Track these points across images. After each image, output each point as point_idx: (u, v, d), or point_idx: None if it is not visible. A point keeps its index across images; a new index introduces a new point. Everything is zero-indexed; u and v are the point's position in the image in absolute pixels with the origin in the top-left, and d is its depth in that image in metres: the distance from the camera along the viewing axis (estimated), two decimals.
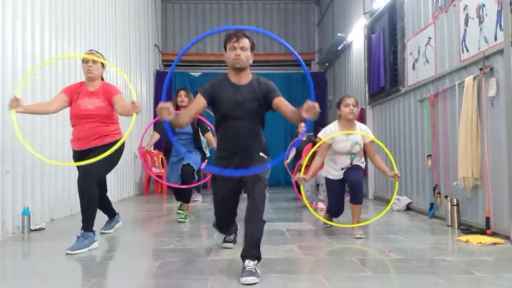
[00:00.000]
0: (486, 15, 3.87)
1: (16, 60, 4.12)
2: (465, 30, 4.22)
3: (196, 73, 11.02)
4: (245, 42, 2.81)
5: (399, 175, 3.87)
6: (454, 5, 4.45)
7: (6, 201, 3.89)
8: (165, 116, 2.47)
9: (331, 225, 4.28)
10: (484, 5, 3.90)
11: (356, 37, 8.20)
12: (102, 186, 3.76)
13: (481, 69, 3.87)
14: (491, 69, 3.75)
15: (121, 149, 3.69)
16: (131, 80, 8.29)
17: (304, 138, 6.46)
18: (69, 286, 2.47)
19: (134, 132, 7.86)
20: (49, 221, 4.70)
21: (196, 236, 3.99)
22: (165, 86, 2.50)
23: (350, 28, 8.39)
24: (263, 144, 2.92)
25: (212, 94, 2.85)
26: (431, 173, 5.05)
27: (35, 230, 4.14)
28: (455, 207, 4.25)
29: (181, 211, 5.14)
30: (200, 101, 2.85)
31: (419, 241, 3.60)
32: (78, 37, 5.65)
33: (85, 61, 3.59)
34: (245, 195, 2.81)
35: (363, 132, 3.96)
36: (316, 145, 4.06)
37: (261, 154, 2.85)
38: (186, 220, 4.78)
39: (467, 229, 4.03)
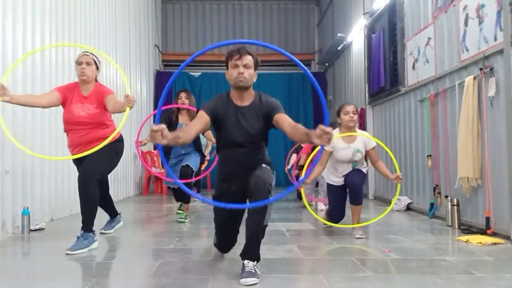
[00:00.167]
0: (486, 15, 3.87)
1: (16, 60, 4.11)
2: (465, 30, 4.22)
3: (196, 73, 11.02)
4: (248, 59, 2.66)
5: (401, 177, 3.84)
6: (454, 5, 4.45)
7: (6, 201, 3.89)
8: (158, 140, 2.19)
9: (331, 225, 4.28)
10: (483, 5, 3.90)
11: (356, 37, 8.20)
12: (104, 185, 3.75)
13: (481, 69, 3.87)
14: (491, 69, 3.75)
15: (121, 150, 3.68)
16: (131, 80, 8.29)
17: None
18: (69, 286, 2.47)
19: (134, 132, 7.86)
20: (49, 221, 4.70)
21: (196, 236, 3.99)
22: (164, 93, 2.22)
23: (350, 28, 8.39)
24: (267, 161, 2.80)
25: (215, 113, 2.71)
26: (431, 173, 5.05)
27: (35, 230, 4.14)
28: (455, 207, 4.25)
29: (181, 211, 5.14)
30: (204, 118, 2.67)
31: (419, 241, 3.59)
32: (78, 37, 5.65)
33: (78, 62, 3.47)
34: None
35: (367, 134, 3.96)
36: (316, 149, 4.03)
37: (263, 165, 2.70)
38: (186, 220, 4.78)
39: (467, 229, 4.03)
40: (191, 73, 11.01)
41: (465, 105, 4.07)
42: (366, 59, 7.44)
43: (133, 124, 8.07)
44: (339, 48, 9.32)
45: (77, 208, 5.41)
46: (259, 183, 2.53)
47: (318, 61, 11.31)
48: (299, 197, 7.33)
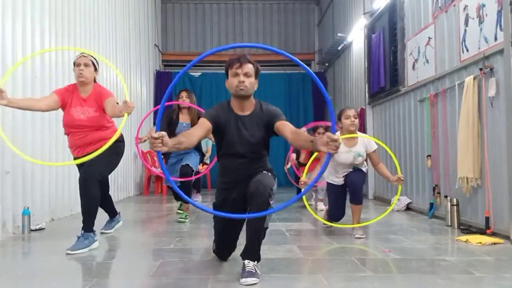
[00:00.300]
0: (486, 15, 3.87)
1: (15, 61, 4.11)
2: (465, 30, 4.22)
3: (196, 73, 11.02)
4: (249, 67, 2.63)
5: (402, 179, 3.83)
6: (454, 5, 4.45)
7: (6, 201, 3.89)
8: (158, 148, 2.14)
9: (331, 225, 4.28)
10: (484, 5, 3.90)
11: (356, 37, 8.20)
12: (104, 185, 3.76)
13: (481, 69, 3.87)
14: (491, 69, 3.75)
15: (121, 150, 3.68)
16: (130, 80, 8.29)
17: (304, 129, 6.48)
18: (69, 286, 2.47)
19: (134, 132, 7.85)
20: (49, 221, 4.70)
21: (196, 236, 3.99)
22: (164, 98, 2.14)
23: (350, 28, 8.39)
24: (268, 168, 2.77)
25: (217, 121, 2.67)
26: (431, 173, 5.05)
27: (35, 230, 4.14)
28: (455, 207, 4.25)
29: (181, 211, 5.14)
30: (205, 124, 2.63)
31: (419, 241, 3.60)
32: (78, 37, 5.65)
33: (76, 64, 3.46)
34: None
35: (368, 137, 3.97)
36: (314, 155, 4.03)
37: (264, 172, 2.68)
38: (186, 220, 4.78)
39: (467, 229, 4.03)
40: (191, 73, 11.01)
41: (465, 105, 4.07)
42: (366, 59, 7.44)
43: (133, 124, 8.07)
44: (339, 48, 9.32)
45: (77, 208, 5.41)
46: (259, 187, 2.50)
47: (318, 61, 11.31)
48: (299, 190, 7.33)
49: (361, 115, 7.57)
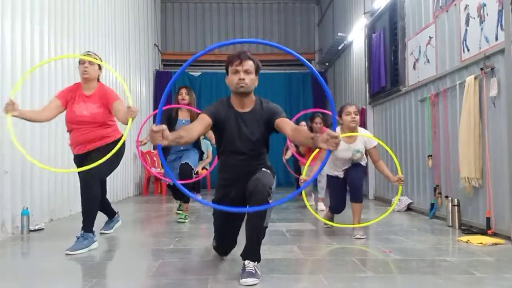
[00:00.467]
0: (487, 14, 3.86)
1: (15, 60, 4.11)
2: (466, 30, 4.21)
3: (196, 73, 11.02)
4: (249, 64, 2.63)
5: (403, 179, 3.82)
6: (455, 4, 4.44)
7: (5, 201, 3.88)
8: (158, 141, 2.14)
9: (331, 226, 4.28)
10: (485, 5, 3.89)
11: (356, 36, 8.19)
12: (102, 188, 3.75)
13: (482, 69, 3.85)
14: (492, 69, 3.73)
15: (122, 151, 3.68)
16: (130, 80, 8.28)
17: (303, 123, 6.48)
18: (69, 286, 2.47)
19: (134, 133, 7.85)
20: (48, 221, 4.69)
21: (196, 236, 3.98)
22: (164, 95, 2.15)
23: (351, 28, 8.38)
24: (267, 166, 2.77)
25: (217, 117, 2.67)
26: (431, 173, 5.04)
27: (34, 230, 4.13)
28: (456, 207, 4.24)
29: (180, 211, 5.13)
30: (205, 119, 2.63)
31: (419, 242, 3.59)
32: (78, 37, 5.64)
33: (81, 62, 3.52)
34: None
35: (368, 135, 3.98)
36: (316, 151, 4.04)
37: (263, 169, 2.67)
38: (186, 221, 4.77)
39: (468, 230, 4.02)
40: (191, 73, 11.01)
41: (465, 105, 4.06)
42: (366, 58, 7.43)
43: (133, 124, 8.04)
44: (339, 48, 9.31)
45: (77, 209, 5.41)
46: (258, 186, 2.50)
47: (319, 61, 11.30)
48: (299, 187, 7.33)
49: (362, 115, 7.55)
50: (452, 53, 4.53)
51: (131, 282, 2.56)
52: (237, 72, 2.62)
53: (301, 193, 6.82)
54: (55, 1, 4.97)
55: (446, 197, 4.50)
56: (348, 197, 4.07)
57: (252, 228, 2.54)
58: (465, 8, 4.22)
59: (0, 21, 3.90)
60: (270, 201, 2.50)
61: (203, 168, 8.12)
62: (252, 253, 2.55)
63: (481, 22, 3.95)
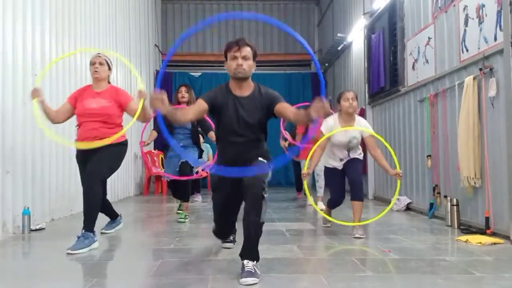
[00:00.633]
0: (486, 15, 3.87)
1: (16, 60, 4.12)
2: (465, 30, 4.22)
3: (196, 73, 11.03)
4: (247, 50, 2.71)
5: (401, 174, 3.84)
6: (454, 5, 4.45)
7: (7, 201, 3.89)
8: (157, 106, 2.34)
9: (331, 225, 4.30)
10: (484, 5, 3.91)
11: (356, 37, 8.20)
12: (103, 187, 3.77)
13: (481, 69, 3.87)
14: (491, 69, 3.75)
15: (124, 151, 3.74)
16: (131, 80, 8.29)
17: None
18: (69, 286, 2.48)
19: (134, 133, 7.86)
20: (49, 221, 4.70)
21: (196, 236, 3.99)
22: (161, 70, 2.43)
23: (350, 28, 8.39)
24: (264, 150, 2.85)
25: (214, 102, 2.76)
26: (431, 173, 5.05)
27: (35, 230, 4.14)
28: (455, 207, 4.25)
29: (180, 211, 5.15)
30: (201, 104, 2.74)
31: (418, 241, 3.60)
32: (79, 37, 5.66)
33: (92, 63, 3.68)
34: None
35: (364, 129, 3.98)
36: (318, 142, 4.06)
37: (260, 158, 2.75)
38: (186, 220, 4.78)
39: (467, 229, 4.03)
40: (191, 73, 11.02)
41: (464, 105, 4.08)
42: (366, 59, 7.44)
43: (133, 124, 8.07)
44: (339, 48, 9.32)
45: (77, 209, 5.42)
46: (254, 181, 2.56)
47: (318, 61, 11.31)
48: (299, 189, 7.36)
49: (361, 115, 7.57)
50: (451, 54, 4.54)
51: (132, 282, 2.58)
52: (235, 58, 2.71)
53: (303, 190, 6.90)
54: (56, 2, 4.98)
55: (445, 196, 4.51)
56: (347, 195, 4.09)
57: (249, 225, 2.58)
58: (464, 8, 4.23)
59: (2, 21, 3.91)
60: (265, 195, 2.57)
61: (203, 169, 8.13)
62: (250, 251, 2.57)
63: (480, 22, 3.96)
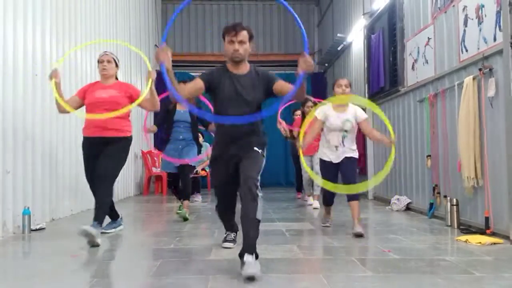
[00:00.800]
0: (485, 15, 3.87)
1: (17, 60, 4.12)
2: (465, 31, 4.22)
3: (196, 74, 11.01)
4: (243, 35, 2.88)
5: (394, 141, 3.89)
6: (454, 5, 4.45)
7: (7, 201, 3.90)
8: (163, 58, 2.57)
9: (330, 225, 4.31)
10: (483, 6, 3.91)
11: (355, 37, 8.21)
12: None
13: (480, 70, 3.87)
14: (490, 69, 3.75)
15: (129, 145, 3.95)
16: (131, 79, 8.29)
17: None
18: (69, 286, 2.48)
19: (135, 133, 7.85)
20: (50, 221, 4.70)
21: (196, 236, 3.99)
22: (169, 23, 2.62)
23: (350, 29, 8.39)
24: (261, 132, 2.99)
25: (211, 81, 2.92)
26: (430, 173, 5.05)
27: (36, 230, 4.14)
28: (455, 207, 4.25)
29: (181, 211, 5.17)
30: (198, 83, 2.92)
31: (418, 241, 3.60)
32: (79, 37, 5.66)
33: (100, 61, 3.91)
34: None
35: (359, 109, 4.09)
36: (308, 117, 4.14)
37: (255, 148, 2.89)
38: (187, 215, 4.83)
39: (467, 229, 4.04)
40: (191, 73, 11.01)
41: (464, 105, 4.08)
42: (365, 59, 7.45)
43: (134, 124, 8.07)
44: (339, 49, 9.32)
45: (77, 209, 5.44)
46: (248, 183, 2.72)
47: (318, 62, 11.31)
48: (299, 189, 7.38)
49: None
50: (450, 54, 4.55)
51: (132, 282, 2.58)
52: (232, 42, 2.87)
53: (301, 187, 6.96)
54: (56, 2, 4.99)
55: (445, 196, 4.51)
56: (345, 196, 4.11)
57: (246, 223, 2.68)
58: (464, 9, 4.24)
59: (2, 21, 3.92)
60: (259, 194, 2.73)
61: (203, 169, 8.15)
62: (249, 247, 2.63)
63: (480, 23, 3.97)
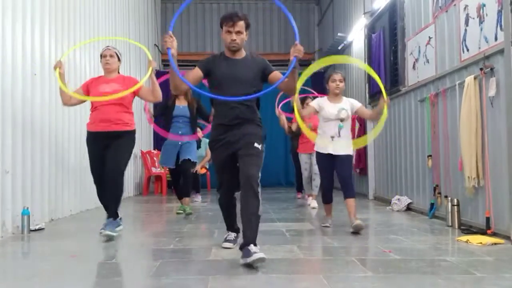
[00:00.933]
0: (487, 15, 3.86)
1: (15, 60, 4.11)
2: (466, 30, 4.21)
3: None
4: (240, 25, 3.02)
5: (388, 101, 4.02)
6: (455, 4, 4.44)
7: (6, 201, 3.89)
8: (169, 45, 2.79)
9: (330, 225, 4.30)
10: (484, 5, 3.90)
11: (356, 36, 8.20)
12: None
13: (481, 69, 3.86)
14: (491, 69, 3.74)
15: (135, 139, 4.05)
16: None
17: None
18: (69, 286, 2.47)
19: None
20: (49, 221, 4.69)
21: (196, 236, 3.98)
22: (176, 15, 2.85)
23: (350, 28, 8.38)
24: (258, 119, 3.13)
25: (208, 67, 3.10)
26: (431, 173, 5.04)
27: (35, 230, 4.13)
28: (456, 207, 4.24)
29: (181, 212, 5.18)
30: (196, 72, 3.08)
31: (419, 241, 3.59)
32: (78, 37, 5.65)
33: (103, 55, 4.00)
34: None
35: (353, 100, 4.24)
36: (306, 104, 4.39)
37: (255, 144, 3.00)
38: (188, 211, 4.87)
39: (468, 229, 4.03)
40: None
41: (465, 105, 4.07)
42: (366, 58, 7.43)
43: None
44: (339, 48, 9.31)
45: (77, 209, 5.43)
46: (248, 182, 2.88)
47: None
48: (299, 189, 7.38)
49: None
50: (451, 53, 4.53)
51: (132, 282, 2.57)
52: (229, 32, 3.03)
53: (300, 187, 7.00)
54: (55, 2, 4.98)
55: (446, 197, 4.50)
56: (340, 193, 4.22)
57: (247, 217, 2.86)
58: (465, 8, 4.23)
59: (1, 22, 3.91)
60: (259, 190, 2.91)
61: (203, 167, 8.13)
62: (253, 240, 2.81)
63: (481, 22, 3.95)
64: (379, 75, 6.68)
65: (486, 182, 3.85)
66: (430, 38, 5.04)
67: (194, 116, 5.13)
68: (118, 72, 4.09)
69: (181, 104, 5.08)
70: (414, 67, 5.53)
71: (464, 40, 4.24)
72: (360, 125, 7.64)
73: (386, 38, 6.52)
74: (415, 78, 5.48)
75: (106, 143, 3.81)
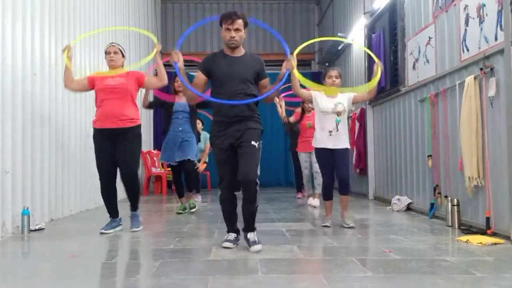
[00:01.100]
0: (487, 15, 3.86)
1: (15, 60, 4.11)
2: (466, 30, 4.21)
3: (196, 73, 11.01)
4: (239, 23, 3.15)
5: (380, 64, 4.25)
6: (455, 4, 4.44)
7: (6, 201, 3.89)
8: (175, 58, 3.09)
9: (330, 225, 4.30)
10: (484, 5, 3.90)
11: (356, 36, 8.19)
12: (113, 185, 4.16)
13: (481, 69, 3.86)
14: (491, 69, 3.74)
15: (141, 134, 4.16)
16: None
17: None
18: (69, 286, 2.47)
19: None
20: (49, 221, 4.69)
21: (196, 236, 3.98)
22: (184, 34, 3.33)
23: (350, 28, 8.38)
24: (256, 116, 3.26)
25: (208, 66, 3.23)
26: (431, 173, 5.04)
27: (35, 230, 4.13)
28: (456, 207, 4.24)
29: (181, 212, 5.18)
30: (200, 77, 3.26)
31: (419, 241, 3.59)
32: (78, 37, 5.64)
33: (107, 52, 4.10)
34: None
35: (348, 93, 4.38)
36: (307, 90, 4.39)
37: (252, 142, 3.17)
38: (191, 205, 4.88)
39: (468, 229, 4.03)
40: (191, 73, 10.99)
41: (465, 105, 4.07)
42: (366, 59, 7.43)
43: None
44: (339, 48, 9.31)
45: (77, 209, 5.43)
46: (248, 179, 3.12)
47: (319, 61, 11.30)
48: (299, 189, 7.38)
49: (362, 115, 7.57)
50: (451, 53, 4.53)
51: (132, 282, 2.57)
52: (228, 30, 3.16)
53: (300, 187, 7.06)
54: (55, 2, 4.98)
55: (446, 197, 4.50)
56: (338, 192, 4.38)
57: (248, 210, 3.22)
58: (465, 8, 4.23)
59: (1, 22, 3.91)
60: (257, 189, 3.18)
61: (204, 162, 8.11)
62: (250, 227, 3.24)
63: (481, 22, 3.95)
64: None
65: (486, 182, 3.85)
66: (430, 38, 5.04)
67: (193, 110, 5.19)
68: (123, 67, 4.19)
69: (181, 100, 5.11)
70: (414, 67, 5.53)
71: (464, 40, 4.24)
72: (360, 125, 7.65)
73: (386, 38, 6.52)
74: (415, 78, 5.48)
75: (113, 139, 3.95)
